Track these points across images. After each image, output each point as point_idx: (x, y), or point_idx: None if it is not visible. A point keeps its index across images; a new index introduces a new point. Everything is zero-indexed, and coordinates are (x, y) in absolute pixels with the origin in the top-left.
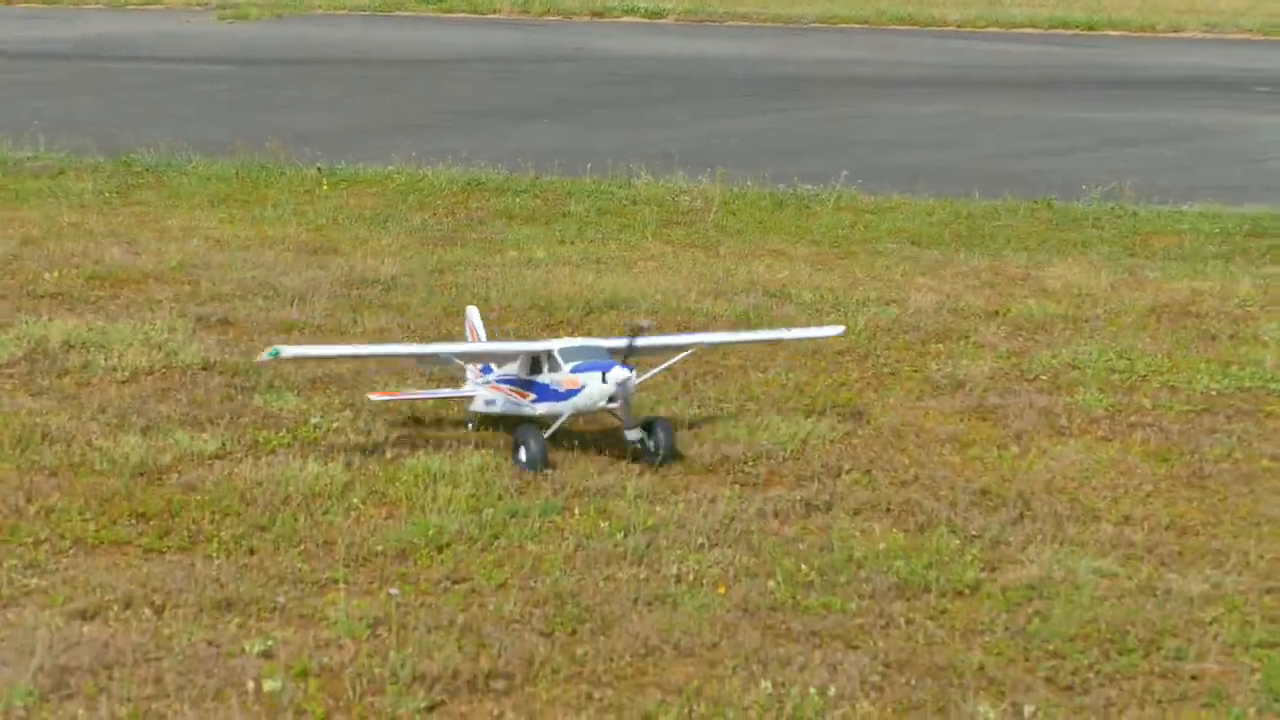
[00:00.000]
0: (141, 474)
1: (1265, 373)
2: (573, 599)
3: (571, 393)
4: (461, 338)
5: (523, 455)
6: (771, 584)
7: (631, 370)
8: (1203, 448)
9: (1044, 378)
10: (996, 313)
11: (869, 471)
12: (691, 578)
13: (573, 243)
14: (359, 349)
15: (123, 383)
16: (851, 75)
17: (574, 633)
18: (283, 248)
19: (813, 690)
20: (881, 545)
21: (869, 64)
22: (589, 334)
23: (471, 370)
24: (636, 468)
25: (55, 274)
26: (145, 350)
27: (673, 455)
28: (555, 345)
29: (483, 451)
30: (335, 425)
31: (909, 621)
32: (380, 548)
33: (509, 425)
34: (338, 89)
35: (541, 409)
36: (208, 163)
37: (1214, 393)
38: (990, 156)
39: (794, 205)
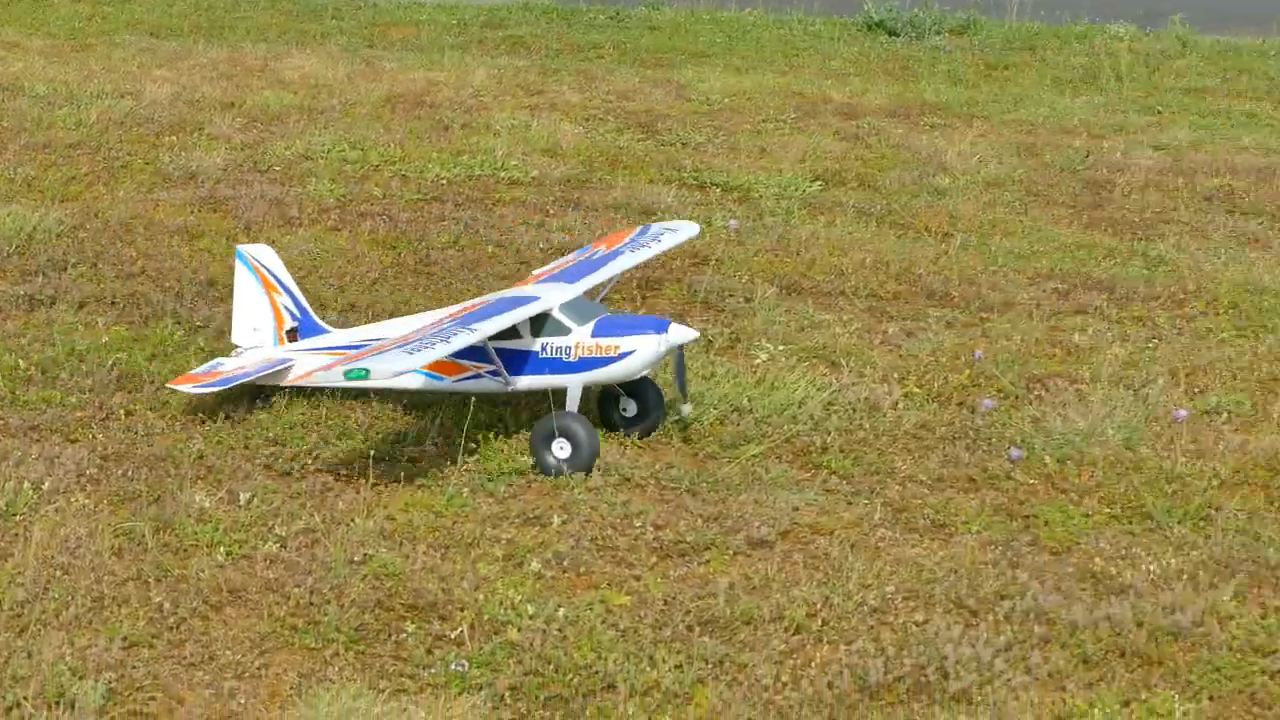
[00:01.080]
0: None
1: (495, 161)
2: None
3: (597, 361)
4: None
5: (562, 452)
6: None
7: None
8: (430, 235)
9: (277, 169)
10: (233, 104)
11: (95, 265)
12: None
13: None
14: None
15: None
16: None
17: None
18: None
19: (27, 484)
20: (105, 339)
21: None
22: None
23: (252, 336)
24: None
25: None
26: None
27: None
28: (551, 304)
29: None
30: None
31: (129, 413)
32: None
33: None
34: None
35: (525, 383)
36: None
37: (444, 181)
38: None
39: None
